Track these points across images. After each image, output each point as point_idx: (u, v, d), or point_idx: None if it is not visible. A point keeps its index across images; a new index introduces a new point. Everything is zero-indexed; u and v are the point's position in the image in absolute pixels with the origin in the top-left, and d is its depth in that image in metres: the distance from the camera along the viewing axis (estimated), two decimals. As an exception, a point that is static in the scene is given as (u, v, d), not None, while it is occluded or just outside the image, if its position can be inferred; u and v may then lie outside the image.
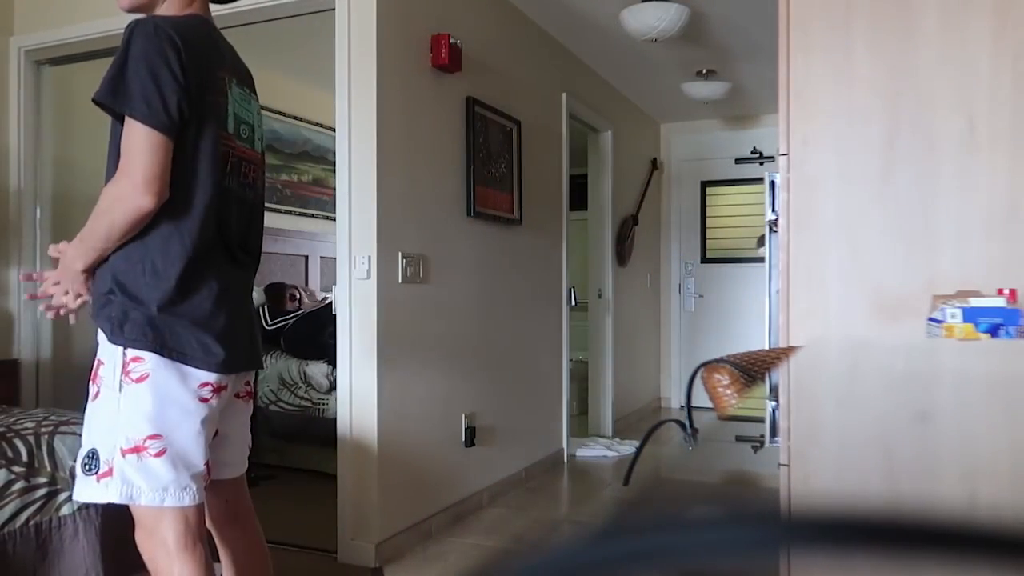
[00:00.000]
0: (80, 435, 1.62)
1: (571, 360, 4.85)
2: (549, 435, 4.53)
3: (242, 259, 1.71)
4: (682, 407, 6.43)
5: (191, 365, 1.54)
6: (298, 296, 4.94)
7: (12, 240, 3.73)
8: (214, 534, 1.81)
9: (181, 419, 1.54)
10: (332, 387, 4.11)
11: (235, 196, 1.66)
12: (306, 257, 5.49)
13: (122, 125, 1.50)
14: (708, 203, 6.73)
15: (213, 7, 1.77)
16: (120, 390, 1.52)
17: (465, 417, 3.52)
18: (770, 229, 2.56)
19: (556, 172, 4.61)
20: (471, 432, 3.53)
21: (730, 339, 6.35)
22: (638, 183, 6.27)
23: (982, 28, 1.77)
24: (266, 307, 4.64)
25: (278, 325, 4.55)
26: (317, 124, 5.52)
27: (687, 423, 1.28)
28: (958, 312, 1.44)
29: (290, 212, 5.37)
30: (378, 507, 2.92)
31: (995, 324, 1.42)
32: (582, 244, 5.46)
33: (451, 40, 3.29)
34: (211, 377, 1.57)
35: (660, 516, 0.21)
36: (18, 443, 2.20)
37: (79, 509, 2.22)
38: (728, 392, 1.33)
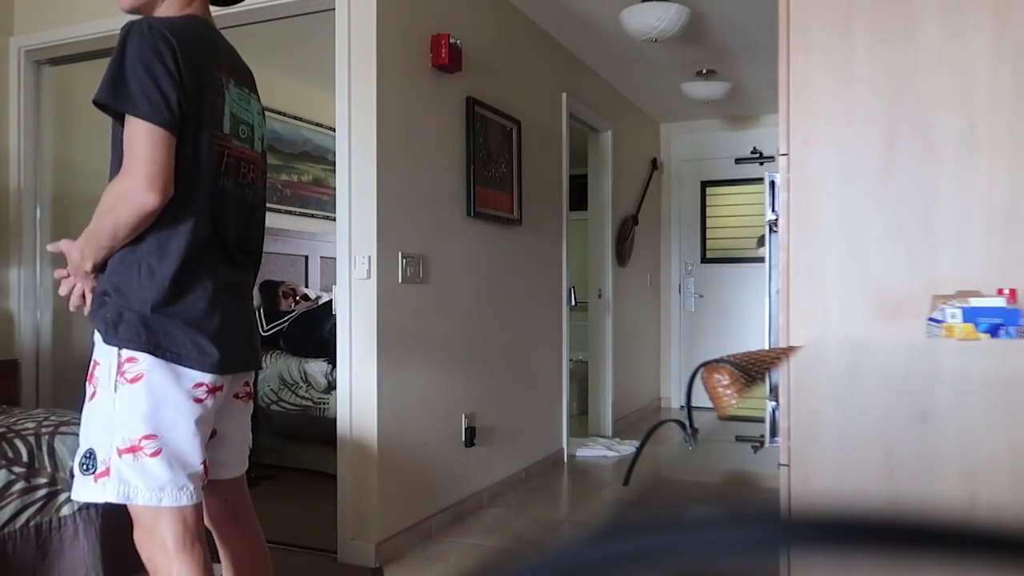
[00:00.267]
0: (79, 436, 1.62)
1: (571, 360, 4.85)
2: (549, 435, 4.53)
3: (240, 259, 1.71)
4: (682, 407, 6.43)
5: (185, 365, 1.54)
6: (291, 293, 4.89)
7: (12, 240, 3.73)
8: (214, 534, 1.81)
9: (176, 419, 1.54)
10: (331, 386, 4.11)
11: (232, 196, 1.65)
12: (306, 257, 5.50)
13: (123, 125, 1.50)
14: (708, 203, 6.73)
15: (214, 8, 1.77)
16: (115, 390, 1.52)
17: (465, 417, 3.52)
18: (770, 229, 2.56)
19: (556, 172, 4.61)
20: (471, 432, 3.53)
21: (730, 339, 6.35)
22: (638, 183, 6.27)
23: (982, 28, 1.77)
24: (261, 310, 4.60)
25: (275, 330, 4.51)
26: (317, 124, 5.53)
27: (687, 423, 1.28)
28: (958, 312, 1.44)
29: (290, 212, 5.37)
30: (378, 507, 2.92)
31: (995, 324, 1.42)
32: (582, 244, 5.46)
33: (451, 40, 3.29)
34: (206, 377, 1.57)
35: (660, 516, 0.21)
36: (18, 443, 2.20)
37: (79, 509, 2.22)
38: (728, 392, 1.33)
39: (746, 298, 6.41)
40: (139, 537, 1.58)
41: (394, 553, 2.98)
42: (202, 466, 1.59)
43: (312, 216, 5.57)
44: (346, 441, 2.96)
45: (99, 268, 1.59)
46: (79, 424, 1.61)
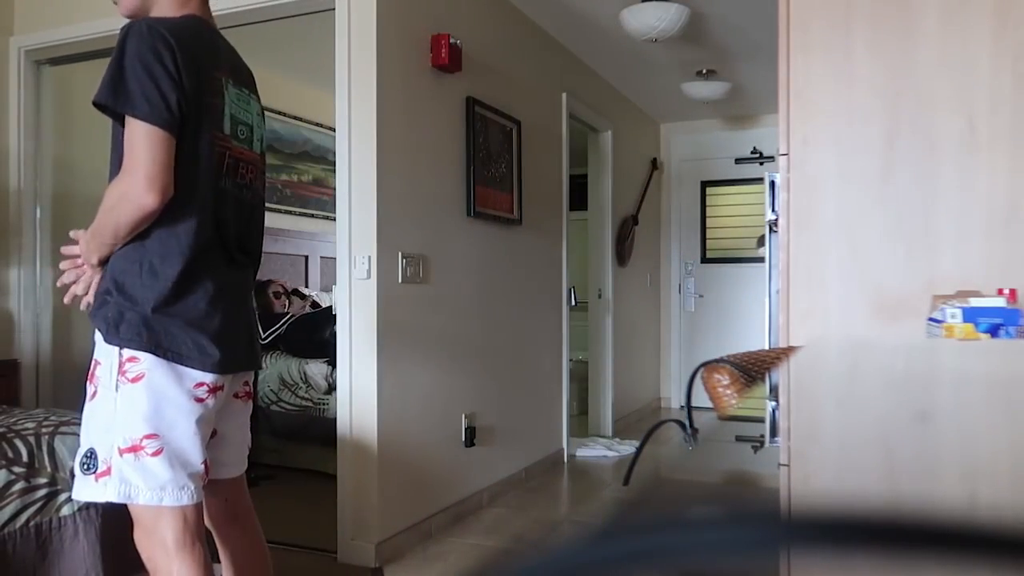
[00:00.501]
0: (80, 435, 1.62)
1: (571, 360, 4.85)
2: (549, 435, 4.53)
3: (240, 260, 1.71)
4: (682, 407, 6.43)
5: (186, 365, 1.55)
6: (284, 292, 4.84)
7: (12, 240, 3.73)
8: (214, 534, 1.81)
9: (177, 419, 1.54)
10: (331, 388, 4.11)
11: (232, 197, 1.66)
12: (306, 257, 5.50)
13: (123, 126, 1.50)
14: (708, 203, 6.73)
15: (214, 7, 1.77)
16: (116, 390, 1.52)
17: (465, 417, 3.52)
18: (770, 229, 2.57)
19: (556, 172, 4.61)
20: (471, 432, 3.53)
21: (730, 339, 6.35)
22: (638, 183, 6.27)
23: (982, 28, 1.77)
24: (256, 315, 4.52)
25: (272, 336, 4.49)
26: (317, 124, 5.53)
27: (687, 423, 1.28)
28: (958, 312, 1.44)
29: (290, 212, 5.38)
30: (378, 507, 2.92)
31: (995, 324, 1.42)
32: (582, 244, 5.46)
33: (451, 40, 3.29)
34: (207, 377, 1.58)
35: (660, 516, 0.21)
36: (18, 443, 2.20)
37: (79, 509, 2.22)
38: (728, 392, 1.33)
39: (746, 298, 6.41)
40: (139, 537, 1.58)
41: (394, 553, 2.98)
42: (203, 466, 1.59)
43: (312, 216, 5.57)
44: (346, 441, 2.96)
45: (104, 262, 1.60)
46: (79, 424, 1.61)
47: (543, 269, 4.43)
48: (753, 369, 1.37)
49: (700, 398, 1.36)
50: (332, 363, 3.93)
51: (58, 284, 1.70)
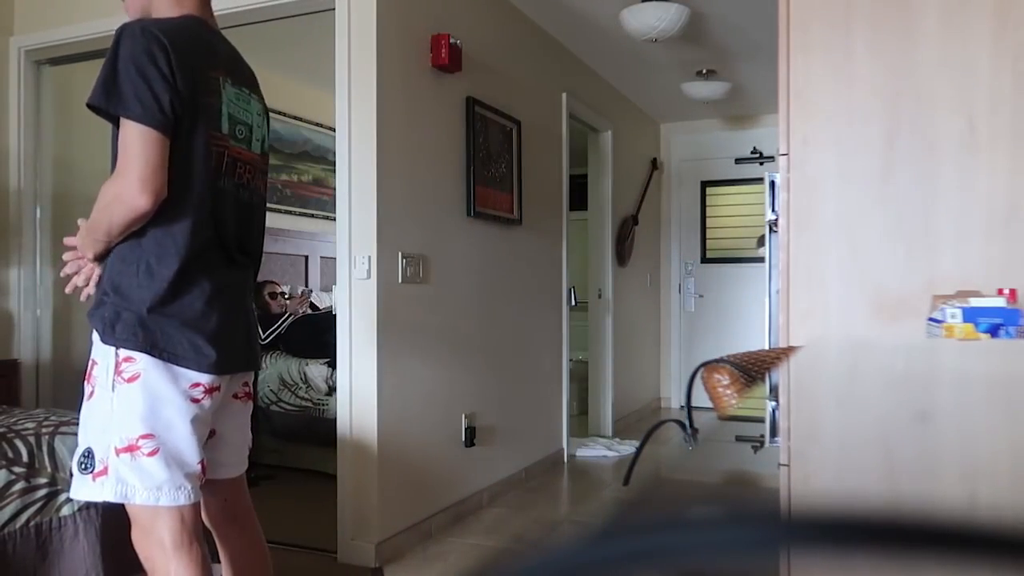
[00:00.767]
0: (78, 435, 1.62)
1: (571, 360, 4.85)
2: (549, 435, 4.53)
3: (240, 260, 1.71)
4: (682, 407, 6.43)
5: (181, 366, 1.55)
6: (279, 292, 4.84)
7: (12, 240, 3.73)
8: (214, 534, 1.81)
9: (173, 419, 1.54)
10: (331, 390, 4.10)
11: (231, 196, 1.66)
12: (306, 257, 5.50)
13: (118, 127, 1.51)
14: (708, 203, 6.73)
15: (214, 7, 1.76)
16: (113, 390, 1.52)
17: (465, 417, 3.52)
18: (770, 229, 2.57)
19: (556, 172, 4.61)
20: (471, 432, 3.53)
21: (730, 339, 6.35)
22: (638, 183, 6.27)
23: (982, 28, 1.77)
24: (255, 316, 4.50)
25: (272, 336, 4.48)
26: (317, 124, 5.53)
27: (687, 423, 1.28)
28: (958, 312, 1.44)
29: (290, 212, 5.38)
30: (378, 507, 2.92)
31: (995, 324, 1.42)
32: (582, 244, 5.46)
33: (451, 40, 3.29)
34: (203, 378, 1.58)
35: (660, 516, 0.21)
36: (19, 443, 2.20)
37: (79, 509, 2.22)
38: (728, 392, 1.33)
39: (746, 298, 6.41)
40: (137, 536, 1.58)
41: (394, 553, 2.98)
42: (200, 466, 1.59)
43: (312, 216, 5.57)
44: (346, 441, 2.96)
45: (101, 258, 1.60)
46: (79, 424, 1.61)
47: (543, 269, 4.43)
48: (753, 369, 1.37)
49: (700, 398, 1.36)
50: (332, 364, 3.93)
51: (60, 275, 1.70)
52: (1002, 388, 0.76)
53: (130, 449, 1.51)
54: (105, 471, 1.52)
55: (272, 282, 4.88)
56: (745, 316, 6.41)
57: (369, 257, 2.92)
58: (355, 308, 2.95)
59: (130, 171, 1.47)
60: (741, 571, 0.21)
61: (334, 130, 3.08)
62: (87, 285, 1.65)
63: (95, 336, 1.56)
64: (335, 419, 3.02)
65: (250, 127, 1.73)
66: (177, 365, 1.54)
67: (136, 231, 1.53)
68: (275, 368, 4.33)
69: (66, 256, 1.68)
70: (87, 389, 1.58)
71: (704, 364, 1.37)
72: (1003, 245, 1.76)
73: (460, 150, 3.53)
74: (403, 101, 3.10)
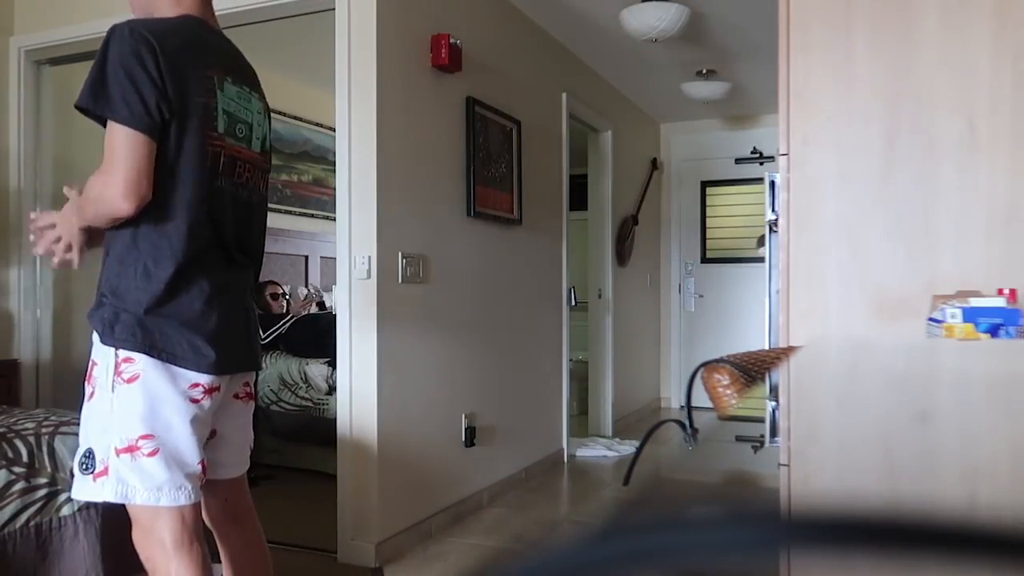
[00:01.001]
0: (79, 435, 1.62)
1: (571, 360, 4.85)
2: (549, 435, 4.53)
3: (240, 260, 1.71)
4: (682, 407, 6.43)
5: (180, 366, 1.55)
6: (280, 293, 4.84)
7: (12, 240, 3.73)
8: (214, 534, 1.81)
9: (173, 419, 1.54)
10: (331, 389, 4.10)
11: (229, 196, 1.65)
12: (306, 257, 5.50)
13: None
14: (708, 203, 6.73)
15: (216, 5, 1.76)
16: (113, 390, 1.53)
17: (465, 417, 3.52)
18: (770, 229, 2.57)
19: (556, 172, 4.61)
20: (471, 432, 3.53)
21: (730, 339, 6.35)
22: (638, 183, 6.27)
23: (982, 28, 1.77)
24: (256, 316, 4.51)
25: (272, 336, 4.48)
26: (317, 124, 5.53)
27: (687, 423, 1.28)
28: (958, 312, 1.44)
29: (290, 212, 5.38)
30: (378, 507, 2.92)
31: (995, 324, 1.42)
32: (582, 244, 5.46)
33: (451, 40, 3.29)
34: (202, 378, 1.57)
35: (660, 516, 0.21)
36: (18, 443, 2.20)
37: (79, 509, 2.22)
38: (728, 392, 1.33)
39: (746, 298, 6.41)
40: (137, 536, 1.58)
41: (394, 553, 2.98)
42: (200, 466, 1.59)
43: (312, 216, 5.58)
44: (346, 441, 2.96)
45: (86, 231, 1.60)
46: (79, 424, 1.61)
47: (543, 269, 4.43)
48: (753, 369, 1.37)
49: (700, 398, 1.36)
50: (332, 364, 3.93)
51: (33, 253, 1.69)
52: (1002, 388, 0.76)
53: (130, 449, 1.51)
54: (105, 471, 1.52)
55: (273, 283, 4.88)
56: (745, 316, 6.41)
57: (369, 257, 2.92)
58: (355, 308, 2.94)
59: (116, 174, 1.47)
60: (741, 571, 0.21)
61: (334, 130, 3.08)
62: (69, 249, 1.62)
63: (95, 337, 1.57)
64: (335, 419, 3.02)
65: (250, 125, 1.73)
66: (176, 365, 1.54)
67: (133, 233, 1.54)
68: (275, 368, 4.33)
69: (32, 238, 1.66)
70: (87, 390, 1.58)
71: (704, 364, 1.37)
72: (1003, 245, 1.76)
73: (460, 150, 3.53)
74: (403, 101, 3.10)
